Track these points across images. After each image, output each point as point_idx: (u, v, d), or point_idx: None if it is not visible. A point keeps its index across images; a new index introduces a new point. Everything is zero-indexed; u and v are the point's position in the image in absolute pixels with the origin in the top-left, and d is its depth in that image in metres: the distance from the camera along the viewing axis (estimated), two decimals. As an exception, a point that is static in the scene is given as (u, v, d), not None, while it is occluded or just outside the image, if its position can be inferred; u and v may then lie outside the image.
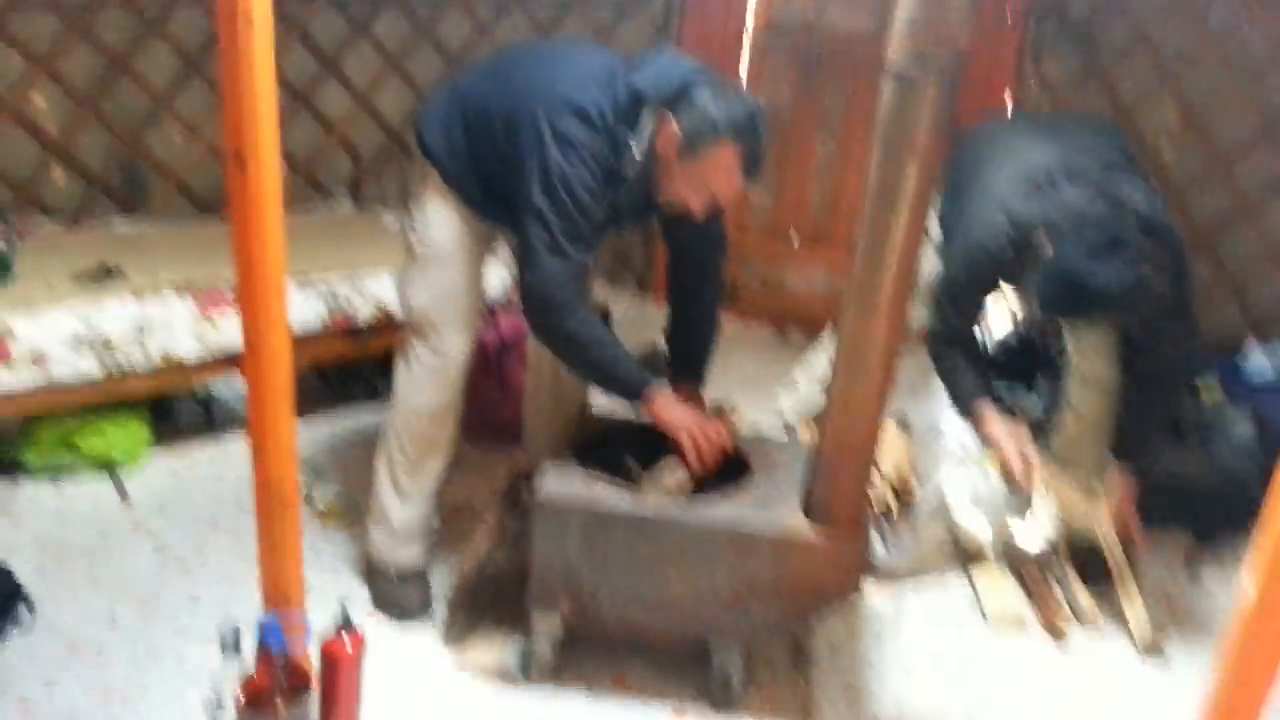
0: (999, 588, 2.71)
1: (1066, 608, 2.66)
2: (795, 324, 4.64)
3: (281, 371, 1.80)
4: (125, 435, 2.98)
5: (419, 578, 2.52)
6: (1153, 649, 2.54)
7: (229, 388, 3.45)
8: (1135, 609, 2.61)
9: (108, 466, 2.97)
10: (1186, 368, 2.57)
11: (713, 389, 3.96)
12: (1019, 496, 2.64)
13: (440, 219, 2.34)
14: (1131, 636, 2.57)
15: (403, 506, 2.47)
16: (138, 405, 3.07)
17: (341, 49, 4.14)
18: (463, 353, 2.42)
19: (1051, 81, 4.20)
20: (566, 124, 2.09)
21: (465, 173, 2.29)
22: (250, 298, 1.74)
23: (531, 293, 2.16)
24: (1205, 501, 3.16)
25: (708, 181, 2.14)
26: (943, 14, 1.68)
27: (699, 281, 2.52)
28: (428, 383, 2.41)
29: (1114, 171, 2.51)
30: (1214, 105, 3.93)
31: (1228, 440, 3.23)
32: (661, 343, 2.61)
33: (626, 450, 2.37)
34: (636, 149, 2.12)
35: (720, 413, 2.87)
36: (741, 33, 4.49)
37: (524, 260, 2.18)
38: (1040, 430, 2.86)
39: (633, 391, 2.26)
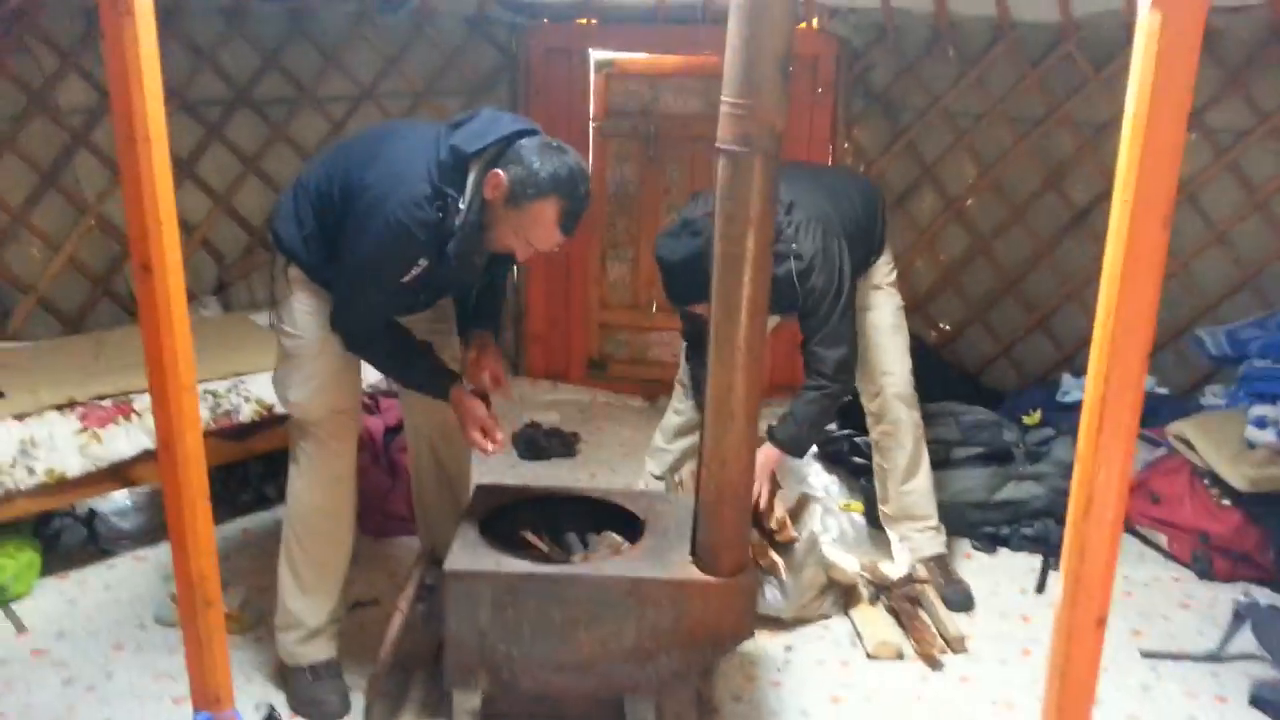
0: (876, 623, 2.98)
1: (938, 636, 2.94)
2: (664, 390, 4.88)
3: (197, 469, 1.90)
4: (15, 563, 2.94)
5: (333, 674, 2.58)
6: (933, 661, 2.83)
7: (110, 504, 3.43)
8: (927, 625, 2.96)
9: (-1, 598, 2.93)
10: (844, 384, 2.87)
11: (592, 460, 4.20)
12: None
13: (306, 310, 2.45)
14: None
15: (309, 604, 2.55)
16: (23, 532, 3.04)
17: (197, 152, 4.20)
18: (350, 443, 2.54)
19: (863, 146, 4.68)
20: (392, 204, 2.22)
21: (323, 260, 2.41)
22: (163, 398, 1.85)
23: (340, 333, 2.42)
24: (1045, 520, 3.56)
25: (527, 231, 2.28)
26: (760, 100, 1.97)
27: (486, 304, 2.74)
28: (319, 478, 2.51)
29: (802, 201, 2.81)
30: (1005, 160, 4.46)
31: (1053, 461, 3.67)
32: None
33: (524, 521, 2.56)
34: (463, 203, 2.26)
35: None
36: (585, 118, 4.80)
37: (334, 304, 2.40)
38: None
39: (440, 391, 2.50)
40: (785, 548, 2.93)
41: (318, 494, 2.52)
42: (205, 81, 4.18)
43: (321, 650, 2.57)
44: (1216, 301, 4.14)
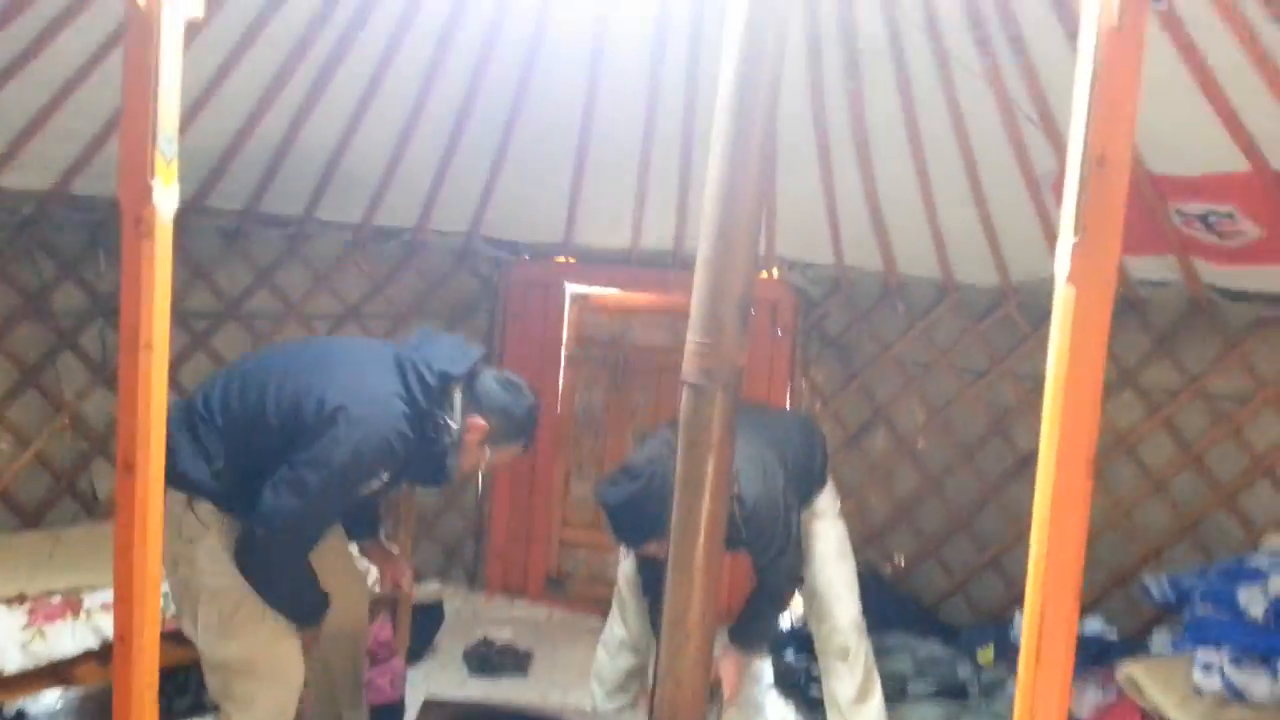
0: None
1: None
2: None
3: (150, 664, 1.89)
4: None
5: None
6: None
7: (40, 705, 3.30)
8: None
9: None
10: (785, 589, 3.02)
11: (544, 680, 4.11)
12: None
13: (224, 546, 2.38)
14: None
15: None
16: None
17: (180, 359, 4.32)
18: (296, 671, 2.50)
19: (819, 385, 4.95)
20: (380, 424, 2.33)
21: (236, 490, 2.36)
22: (127, 592, 1.86)
23: (263, 527, 2.30)
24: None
25: (495, 460, 2.63)
26: (722, 339, 2.14)
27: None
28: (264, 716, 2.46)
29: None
30: (952, 405, 4.71)
31: (1008, 699, 3.67)
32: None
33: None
34: (453, 423, 2.45)
35: None
36: (558, 344, 5.06)
37: (266, 502, 2.28)
38: None
39: (312, 619, 2.52)
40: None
41: None
42: (198, 294, 4.38)
43: None
44: (1159, 549, 4.28)
